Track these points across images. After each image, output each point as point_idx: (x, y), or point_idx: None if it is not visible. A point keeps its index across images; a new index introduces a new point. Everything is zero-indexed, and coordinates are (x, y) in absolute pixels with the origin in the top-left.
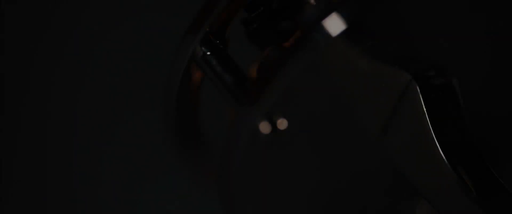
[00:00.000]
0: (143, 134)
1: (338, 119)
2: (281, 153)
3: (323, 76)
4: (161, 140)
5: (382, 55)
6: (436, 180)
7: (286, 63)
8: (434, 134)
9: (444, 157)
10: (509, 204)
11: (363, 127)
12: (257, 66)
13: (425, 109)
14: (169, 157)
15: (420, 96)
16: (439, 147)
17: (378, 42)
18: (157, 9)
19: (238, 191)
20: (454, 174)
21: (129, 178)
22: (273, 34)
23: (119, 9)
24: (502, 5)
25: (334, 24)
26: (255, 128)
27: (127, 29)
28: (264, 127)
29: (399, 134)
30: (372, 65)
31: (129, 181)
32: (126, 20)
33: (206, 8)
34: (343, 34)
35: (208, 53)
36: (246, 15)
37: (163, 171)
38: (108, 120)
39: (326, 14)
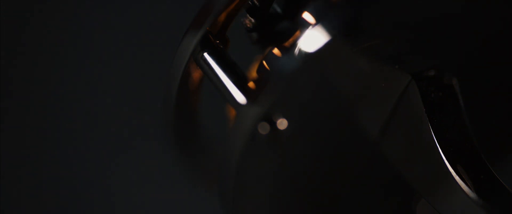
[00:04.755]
0: (143, 134)
1: (337, 119)
2: (281, 153)
3: (322, 76)
4: (161, 140)
5: (382, 55)
6: (436, 180)
7: (286, 64)
8: (434, 134)
9: (444, 157)
10: (509, 204)
11: (363, 126)
12: (257, 66)
13: (425, 109)
14: (168, 157)
15: (420, 96)
16: (439, 147)
17: (378, 42)
18: (157, 8)
19: (238, 191)
20: (454, 174)
21: (128, 178)
22: (273, 34)
23: (119, 8)
24: (502, 5)
25: (334, 24)
26: (254, 128)
27: (127, 29)
28: (263, 128)
29: (399, 134)
30: (372, 65)
31: (128, 181)
32: (126, 20)
33: (206, 8)
34: (342, 34)
35: (208, 53)
36: (246, 15)
37: (162, 171)
38: (107, 119)
39: (325, 14)
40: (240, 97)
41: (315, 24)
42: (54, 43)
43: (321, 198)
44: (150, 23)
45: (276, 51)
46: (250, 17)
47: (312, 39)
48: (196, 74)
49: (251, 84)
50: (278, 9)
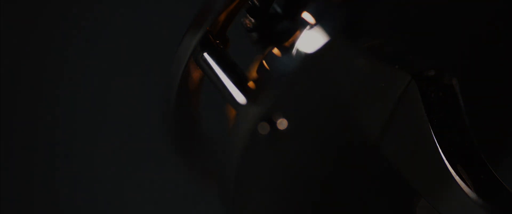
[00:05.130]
0: (143, 134)
1: (337, 119)
2: (281, 153)
3: (323, 76)
4: (161, 140)
5: (382, 55)
6: (436, 180)
7: (286, 64)
8: (434, 134)
9: (444, 157)
10: (509, 204)
11: (363, 127)
12: (257, 66)
13: (425, 109)
14: (168, 157)
15: (420, 96)
16: (439, 147)
17: (378, 42)
18: (157, 8)
19: (238, 191)
20: (454, 174)
21: (128, 178)
22: (273, 34)
23: (119, 8)
24: (502, 5)
25: (334, 24)
26: (254, 128)
27: (127, 29)
28: (263, 128)
29: (399, 134)
30: (372, 65)
31: (129, 181)
32: (126, 20)
33: (206, 8)
34: (343, 34)
35: (208, 53)
36: (246, 15)
37: (162, 171)
38: (107, 119)
39: (325, 14)
40: (240, 97)
41: (315, 24)
42: (54, 43)
43: (321, 198)
44: (150, 23)
45: (276, 51)
46: (250, 17)
47: (312, 39)
48: (196, 74)
49: (251, 84)
50: (278, 9)
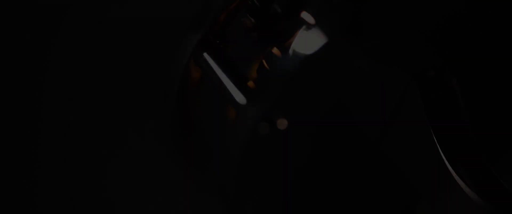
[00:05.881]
0: (143, 133)
1: (338, 119)
2: (281, 153)
3: (322, 76)
4: (161, 139)
5: (382, 55)
6: (436, 180)
7: (286, 63)
8: (434, 134)
9: (444, 157)
10: (509, 204)
11: (363, 127)
12: (257, 66)
13: (425, 109)
14: (168, 156)
15: (420, 96)
16: (439, 147)
17: (378, 42)
18: (157, 8)
19: (238, 190)
20: (454, 174)
21: (128, 178)
22: (273, 34)
23: (119, 8)
24: (502, 5)
25: (333, 24)
26: (254, 128)
27: (127, 29)
28: (263, 128)
29: (399, 134)
30: (372, 65)
31: (128, 181)
32: (126, 20)
33: (206, 8)
34: (342, 34)
35: (208, 53)
36: (246, 15)
37: (162, 170)
38: (107, 120)
39: (325, 14)
40: (240, 97)
41: (315, 24)
42: (53, 42)
43: (320, 197)
44: (151, 23)
45: (276, 51)
46: (250, 17)
47: (312, 39)
48: (196, 74)
49: (251, 84)
50: (278, 9)
